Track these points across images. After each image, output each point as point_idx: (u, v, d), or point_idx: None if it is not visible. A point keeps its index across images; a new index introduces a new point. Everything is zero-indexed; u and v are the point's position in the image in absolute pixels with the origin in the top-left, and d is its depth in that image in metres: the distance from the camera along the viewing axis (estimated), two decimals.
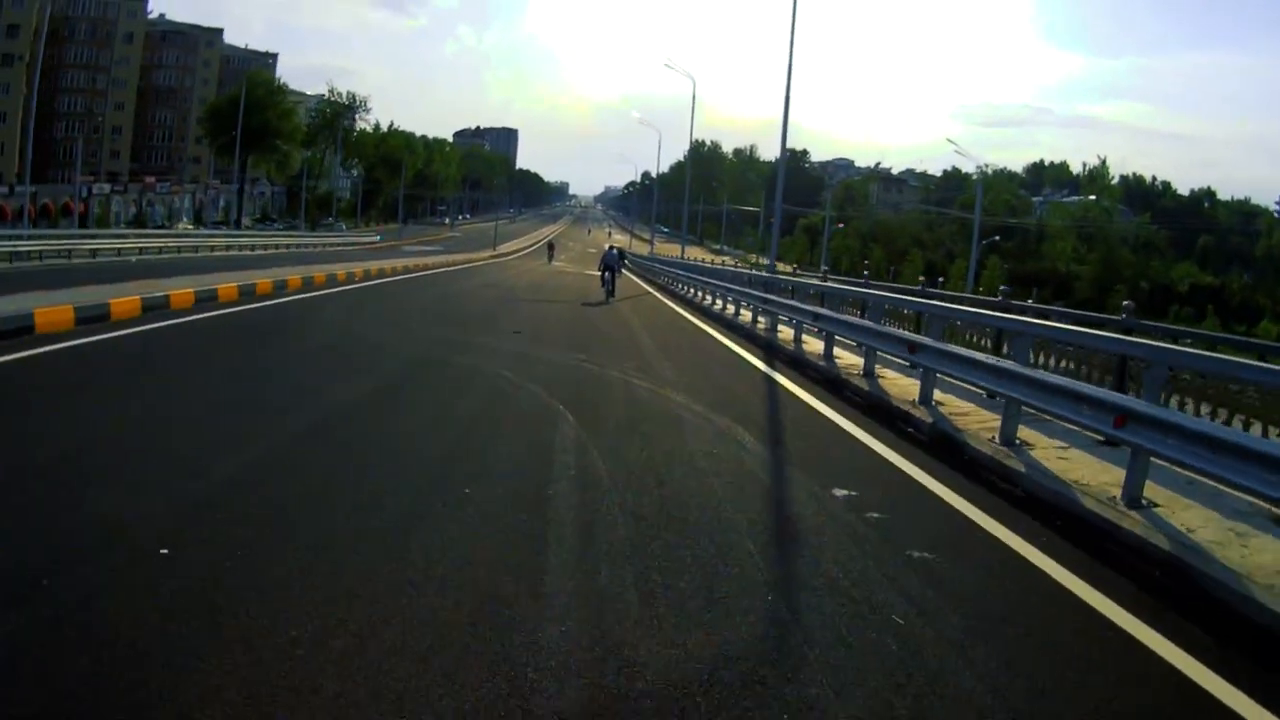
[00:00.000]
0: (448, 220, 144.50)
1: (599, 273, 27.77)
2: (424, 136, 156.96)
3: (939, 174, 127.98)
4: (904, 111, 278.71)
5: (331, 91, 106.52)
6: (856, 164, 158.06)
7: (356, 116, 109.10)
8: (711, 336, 18.20)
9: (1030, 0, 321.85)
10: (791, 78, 24.05)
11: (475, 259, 54.19)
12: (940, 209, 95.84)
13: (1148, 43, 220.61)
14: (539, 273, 42.96)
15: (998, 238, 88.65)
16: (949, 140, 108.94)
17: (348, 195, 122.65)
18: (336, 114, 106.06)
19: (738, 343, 16.74)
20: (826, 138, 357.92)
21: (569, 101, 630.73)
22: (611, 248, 29.92)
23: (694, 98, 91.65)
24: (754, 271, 30.15)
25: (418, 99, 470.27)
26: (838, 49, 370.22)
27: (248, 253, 42.33)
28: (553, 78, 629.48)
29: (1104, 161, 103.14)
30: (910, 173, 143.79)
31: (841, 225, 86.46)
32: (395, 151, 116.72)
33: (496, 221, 78.12)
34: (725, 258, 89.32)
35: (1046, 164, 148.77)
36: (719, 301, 24.69)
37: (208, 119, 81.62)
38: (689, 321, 21.84)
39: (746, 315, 20.14)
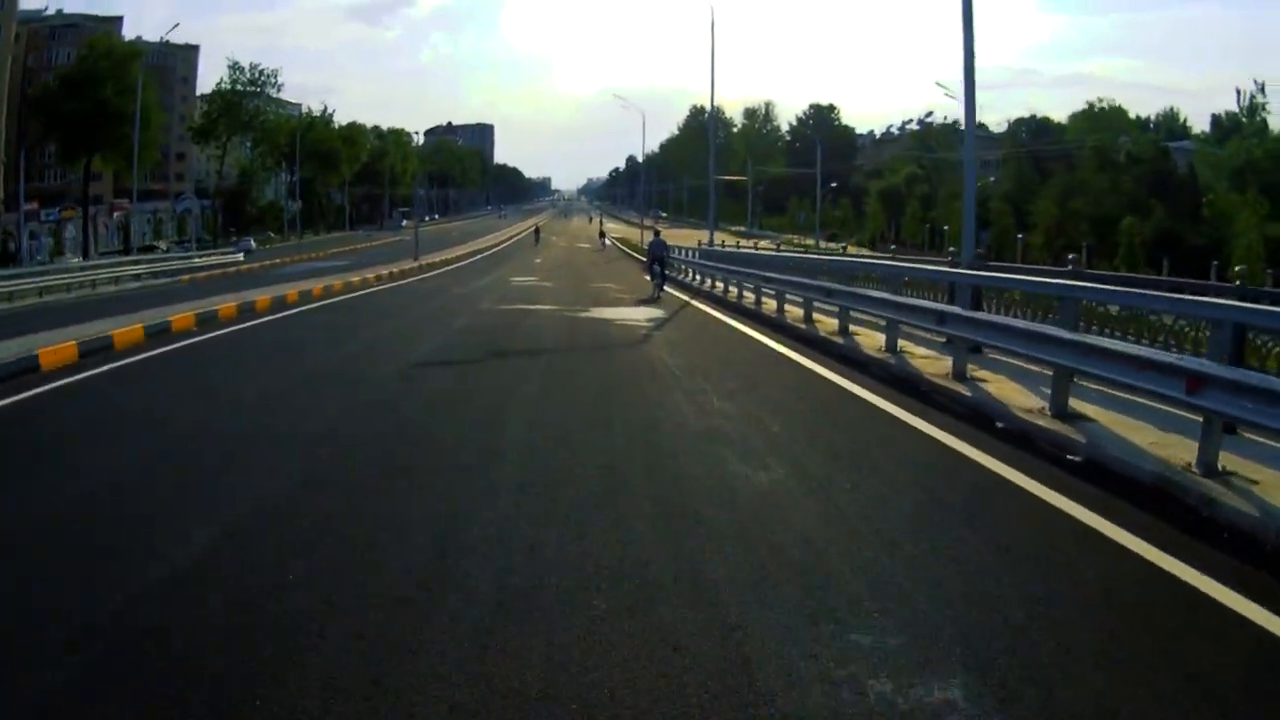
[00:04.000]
0: (406, 223, 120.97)
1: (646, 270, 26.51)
2: (375, 127, 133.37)
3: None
4: (880, 81, 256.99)
5: (234, 68, 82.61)
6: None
7: (269, 96, 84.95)
8: None
9: None
10: None
11: (368, 279, 30.91)
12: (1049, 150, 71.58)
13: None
14: (431, 325, 18.38)
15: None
16: None
17: (298, 204, 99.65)
18: (241, 97, 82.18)
19: None
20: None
21: (549, 101, 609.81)
22: (657, 233, 28.70)
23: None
24: None
25: (396, 109, 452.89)
26: (805, 18, 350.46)
27: None
28: (531, 77, 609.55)
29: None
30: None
31: (993, 180, 60.94)
32: (325, 142, 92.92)
33: (417, 224, 52.62)
34: (763, 243, 65.88)
35: (1097, 108, 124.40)
36: None
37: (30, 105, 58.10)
38: None
39: None
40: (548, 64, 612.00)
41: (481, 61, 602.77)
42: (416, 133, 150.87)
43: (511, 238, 79.65)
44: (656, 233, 28.79)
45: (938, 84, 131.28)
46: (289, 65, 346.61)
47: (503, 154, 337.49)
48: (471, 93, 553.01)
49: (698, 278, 27.11)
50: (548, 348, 14.08)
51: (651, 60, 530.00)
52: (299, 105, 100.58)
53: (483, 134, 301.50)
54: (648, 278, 25.71)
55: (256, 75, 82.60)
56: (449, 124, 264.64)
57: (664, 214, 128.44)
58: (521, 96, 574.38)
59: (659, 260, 25.10)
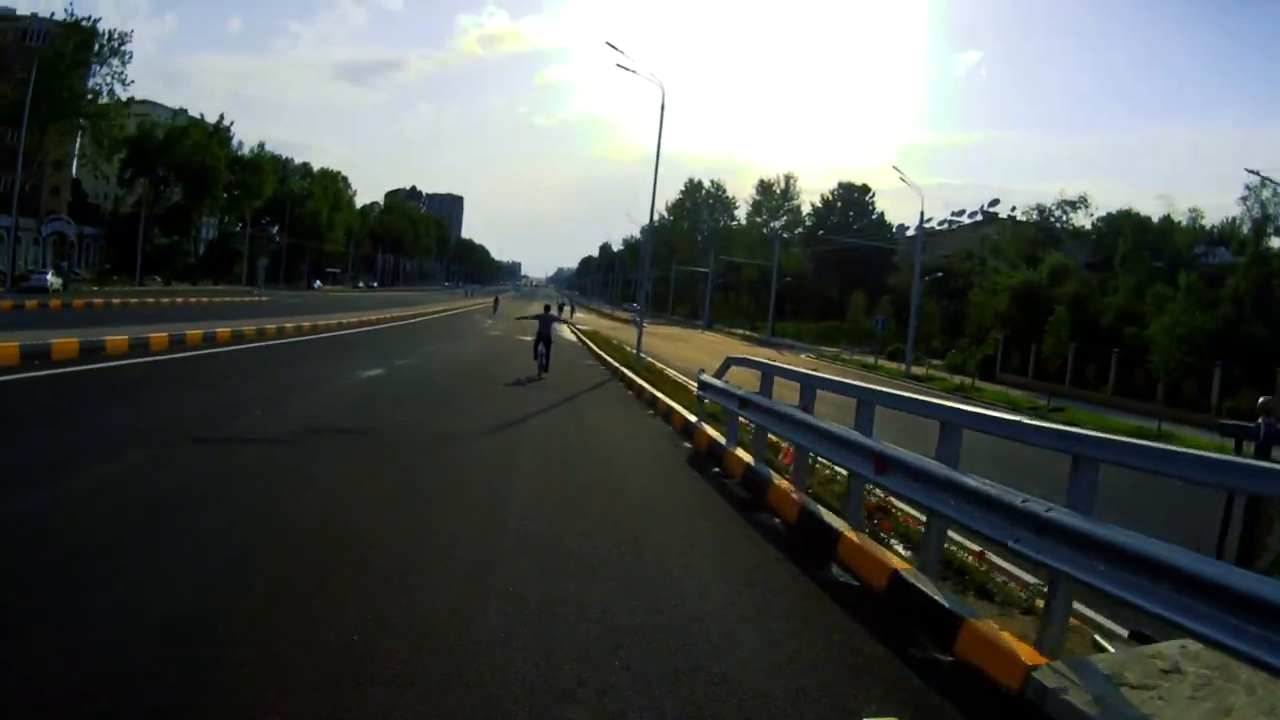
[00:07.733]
0: (319, 284, 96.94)
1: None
2: (304, 164, 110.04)
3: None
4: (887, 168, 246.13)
5: (69, 16, 59.31)
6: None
7: (112, 72, 61.16)
8: None
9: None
10: None
11: None
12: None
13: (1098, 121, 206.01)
14: None
15: None
16: None
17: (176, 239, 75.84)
18: (73, 65, 58.43)
19: None
20: None
21: (525, 185, 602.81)
22: (547, 308, 24.75)
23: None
24: None
25: (372, 173, 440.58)
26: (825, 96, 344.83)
27: None
28: (510, 161, 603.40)
29: None
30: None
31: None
32: (197, 153, 68.90)
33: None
34: (802, 356, 42.06)
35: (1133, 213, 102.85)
36: None
37: None
38: None
39: None
40: (530, 148, 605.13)
41: (463, 136, 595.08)
42: (359, 199, 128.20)
43: (427, 316, 55.28)
44: (546, 308, 24.87)
45: None
46: (270, 117, 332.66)
47: (471, 231, 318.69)
48: (448, 166, 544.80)
49: None
50: None
51: (643, 132, 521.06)
52: (198, 118, 76.90)
53: (451, 205, 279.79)
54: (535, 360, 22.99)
55: (96, 37, 58.92)
56: (413, 188, 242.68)
57: (636, 305, 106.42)
58: (498, 177, 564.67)
59: (545, 339, 23.16)
